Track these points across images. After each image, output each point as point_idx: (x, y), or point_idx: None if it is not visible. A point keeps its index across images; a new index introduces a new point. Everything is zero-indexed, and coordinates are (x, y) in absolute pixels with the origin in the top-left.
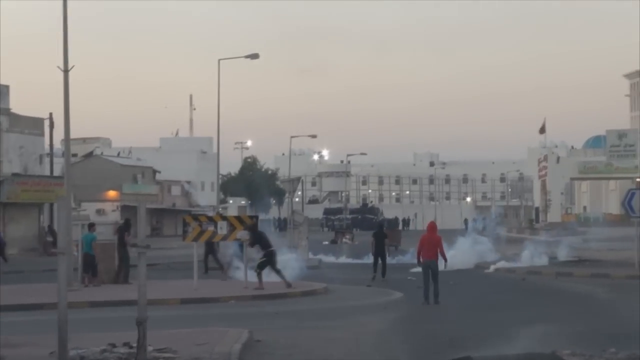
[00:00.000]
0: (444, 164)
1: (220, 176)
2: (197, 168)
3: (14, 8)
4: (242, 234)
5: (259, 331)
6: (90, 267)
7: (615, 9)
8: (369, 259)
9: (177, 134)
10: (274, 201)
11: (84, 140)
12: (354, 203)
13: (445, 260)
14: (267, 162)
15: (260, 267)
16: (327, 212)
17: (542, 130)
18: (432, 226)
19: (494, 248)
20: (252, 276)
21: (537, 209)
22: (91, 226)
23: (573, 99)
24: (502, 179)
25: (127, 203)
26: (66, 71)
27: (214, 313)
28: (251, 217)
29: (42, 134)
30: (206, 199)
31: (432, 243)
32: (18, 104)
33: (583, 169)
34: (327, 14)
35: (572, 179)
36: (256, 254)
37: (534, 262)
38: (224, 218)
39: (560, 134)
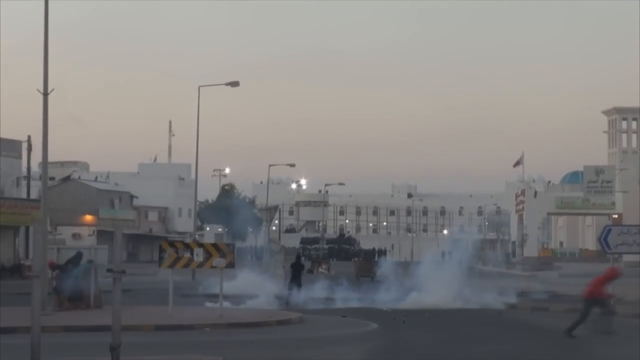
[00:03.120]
0: (412, 195)
1: (197, 203)
2: (175, 194)
3: None
4: (219, 261)
5: None
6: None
7: (594, 46)
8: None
9: (155, 159)
10: (251, 229)
11: (62, 164)
12: (331, 233)
13: (606, 297)
14: (245, 190)
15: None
16: (304, 241)
17: (517, 164)
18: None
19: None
20: (226, 303)
21: (513, 243)
22: (90, 262)
23: (551, 134)
24: (480, 213)
25: (104, 228)
26: (46, 94)
27: (189, 340)
28: (227, 245)
29: (20, 157)
30: (183, 225)
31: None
32: None
33: (560, 204)
34: (307, 45)
35: (549, 213)
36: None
37: (509, 298)
38: (201, 245)
39: (538, 169)
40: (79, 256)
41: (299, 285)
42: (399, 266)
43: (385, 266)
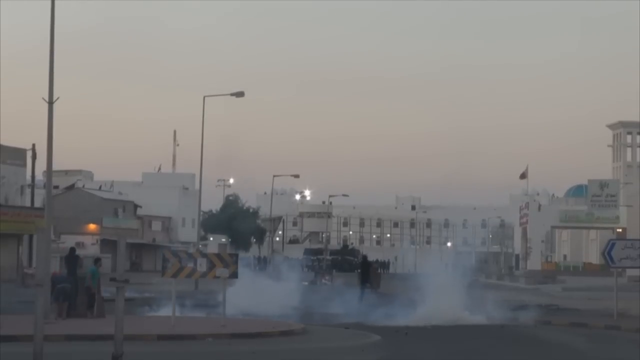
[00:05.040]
0: (416, 207)
1: (201, 213)
2: (179, 204)
3: None
4: (222, 271)
5: None
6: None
7: (599, 60)
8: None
9: (159, 169)
10: (255, 240)
11: (66, 172)
12: (335, 244)
13: None
14: (248, 201)
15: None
16: (308, 252)
17: (523, 176)
18: None
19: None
20: (229, 313)
21: (517, 256)
22: (97, 261)
23: (556, 148)
24: (483, 225)
25: (107, 237)
26: (51, 103)
27: (191, 350)
28: (231, 255)
29: (24, 165)
30: (187, 235)
31: None
32: (0, 134)
33: (564, 217)
34: (312, 57)
35: (553, 227)
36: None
37: (511, 312)
38: (204, 255)
39: (542, 182)
40: (72, 252)
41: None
42: (402, 278)
43: (386, 278)
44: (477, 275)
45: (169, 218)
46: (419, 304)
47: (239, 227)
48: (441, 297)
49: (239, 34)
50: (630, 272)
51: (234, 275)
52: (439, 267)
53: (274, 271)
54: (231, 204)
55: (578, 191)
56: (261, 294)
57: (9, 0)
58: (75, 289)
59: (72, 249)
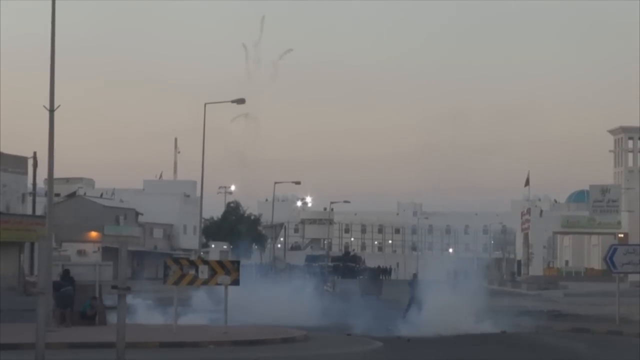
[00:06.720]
0: (418, 213)
1: (202, 220)
2: (180, 211)
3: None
4: (224, 278)
5: None
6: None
7: (600, 65)
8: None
9: (160, 176)
10: (256, 247)
11: (67, 180)
12: (336, 251)
13: None
14: (250, 208)
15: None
16: (309, 259)
17: (527, 183)
18: None
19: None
20: (231, 320)
21: (519, 261)
22: (94, 299)
23: (557, 153)
24: (485, 231)
25: (109, 244)
26: (52, 111)
27: (193, 358)
28: (232, 262)
29: (25, 173)
30: (188, 242)
31: None
32: (1, 142)
33: (566, 223)
34: (312, 61)
35: (555, 232)
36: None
37: (513, 317)
38: (205, 262)
39: (543, 188)
40: (66, 274)
41: (419, 305)
42: (405, 285)
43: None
44: (480, 281)
45: (171, 225)
46: (426, 313)
47: (240, 234)
48: (450, 306)
49: (239, 38)
50: (632, 278)
51: (236, 282)
52: (444, 274)
53: (276, 278)
54: (232, 211)
55: (579, 196)
56: (263, 301)
57: (10, 8)
58: None
59: (66, 271)
